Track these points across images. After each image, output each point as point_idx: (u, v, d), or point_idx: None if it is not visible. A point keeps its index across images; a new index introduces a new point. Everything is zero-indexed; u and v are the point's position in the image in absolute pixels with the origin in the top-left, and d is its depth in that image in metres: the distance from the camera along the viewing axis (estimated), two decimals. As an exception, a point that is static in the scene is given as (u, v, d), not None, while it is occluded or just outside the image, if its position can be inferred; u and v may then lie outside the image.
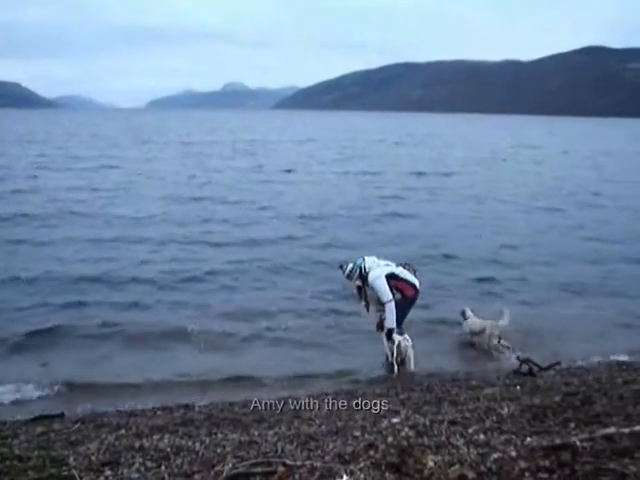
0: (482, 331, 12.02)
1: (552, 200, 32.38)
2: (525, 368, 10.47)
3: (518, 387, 8.89)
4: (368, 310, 11.70)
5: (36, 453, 5.99)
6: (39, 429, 7.73)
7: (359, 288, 11.49)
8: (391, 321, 10.94)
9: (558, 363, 10.82)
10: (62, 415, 8.78)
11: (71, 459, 5.63)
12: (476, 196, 33.32)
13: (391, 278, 11.12)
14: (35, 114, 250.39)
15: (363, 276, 11.28)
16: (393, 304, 10.95)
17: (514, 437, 5.54)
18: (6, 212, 25.08)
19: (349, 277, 11.49)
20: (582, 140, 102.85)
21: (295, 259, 18.78)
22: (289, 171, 43.66)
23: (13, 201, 28.40)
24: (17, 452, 6.09)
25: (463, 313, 12.48)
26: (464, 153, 65.04)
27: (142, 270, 17.30)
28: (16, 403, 9.58)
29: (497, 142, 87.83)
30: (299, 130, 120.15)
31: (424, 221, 26.02)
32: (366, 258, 11.43)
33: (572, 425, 5.94)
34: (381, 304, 11.12)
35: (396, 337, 10.72)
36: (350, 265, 11.41)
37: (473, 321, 12.30)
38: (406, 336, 10.83)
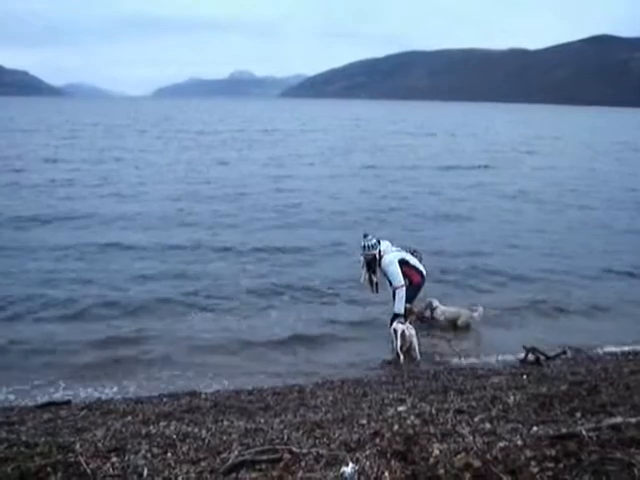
0: (457, 318, 12.36)
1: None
2: (532, 357, 10.46)
3: (524, 376, 8.89)
4: (376, 290, 11.68)
5: (43, 439, 6.01)
6: (46, 415, 7.76)
7: (369, 266, 11.53)
8: (399, 307, 10.96)
9: (564, 352, 10.80)
10: (69, 402, 8.80)
11: (77, 445, 5.64)
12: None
13: (402, 264, 11.13)
14: (48, 102, 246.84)
15: (377, 258, 11.25)
16: (404, 290, 10.96)
17: (520, 426, 5.54)
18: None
19: (367, 248, 11.37)
20: (597, 131, 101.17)
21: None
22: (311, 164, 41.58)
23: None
24: (24, 438, 6.11)
25: (430, 305, 12.50)
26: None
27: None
28: (23, 390, 9.60)
29: (519, 132, 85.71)
30: (311, 119, 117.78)
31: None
32: (382, 242, 11.40)
33: (578, 414, 5.95)
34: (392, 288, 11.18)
35: (399, 326, 10.72)
36: (374, 240, 11.37)
37: (446, 309, 12.49)
38: (408, 325, 10.82)
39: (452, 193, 30.20)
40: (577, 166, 44.56)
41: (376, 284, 11.67)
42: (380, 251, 11.28)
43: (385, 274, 11.29)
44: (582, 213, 26.34)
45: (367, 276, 11.66)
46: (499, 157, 48.76)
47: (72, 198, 26.43)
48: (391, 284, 11.25)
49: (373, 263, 11.42)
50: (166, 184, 30.98)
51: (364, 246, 11.39)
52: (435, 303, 12.51)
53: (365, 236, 11.48)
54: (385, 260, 11.21)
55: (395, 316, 10.94)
